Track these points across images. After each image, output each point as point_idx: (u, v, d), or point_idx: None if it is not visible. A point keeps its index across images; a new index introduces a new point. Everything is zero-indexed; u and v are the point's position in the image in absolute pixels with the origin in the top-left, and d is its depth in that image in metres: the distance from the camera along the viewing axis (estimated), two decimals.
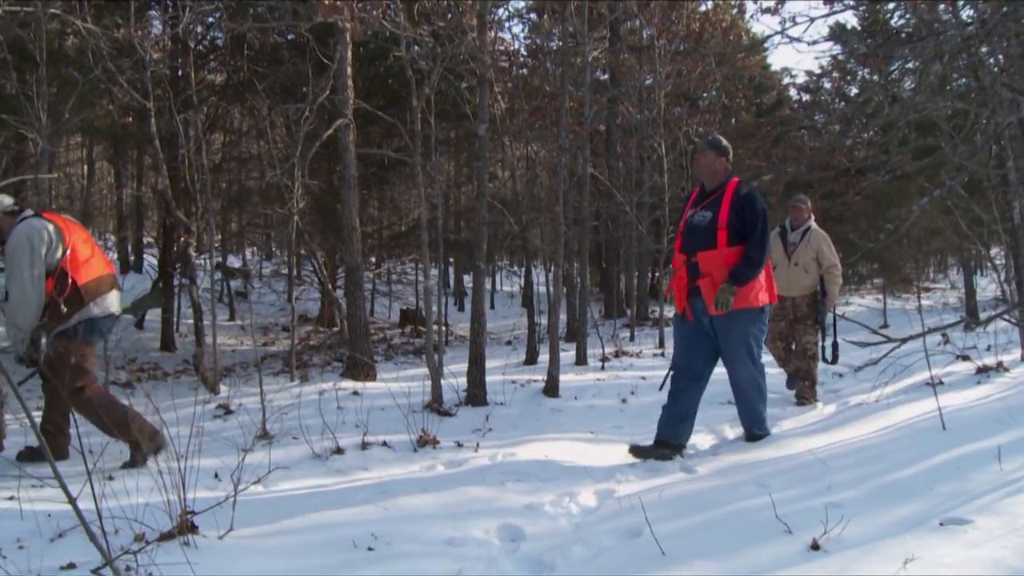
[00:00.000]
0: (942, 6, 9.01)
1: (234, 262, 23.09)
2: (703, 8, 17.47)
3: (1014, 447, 4.44)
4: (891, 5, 11.67)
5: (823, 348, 7.89)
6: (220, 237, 17.12)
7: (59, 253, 5.28)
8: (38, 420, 5.53)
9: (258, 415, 6.47)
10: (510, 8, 17.07)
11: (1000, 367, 7.30)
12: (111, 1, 9.88)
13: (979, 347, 8.55)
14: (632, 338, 14.14)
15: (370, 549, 3.84)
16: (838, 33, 17.20)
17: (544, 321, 13.18)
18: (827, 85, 20.75)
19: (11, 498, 4.33)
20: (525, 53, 17.74)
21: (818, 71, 21.10)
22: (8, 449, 5.82)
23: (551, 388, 8.25)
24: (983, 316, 14.60)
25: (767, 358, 8.16)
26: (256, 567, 3.62)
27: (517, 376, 9.19)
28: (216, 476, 5.00)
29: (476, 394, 7.77)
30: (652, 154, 14.21)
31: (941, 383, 6.82)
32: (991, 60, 9.45)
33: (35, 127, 6.78)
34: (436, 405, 7.32)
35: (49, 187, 8.83)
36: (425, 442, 6.02)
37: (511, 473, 5.23)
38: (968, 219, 11.03)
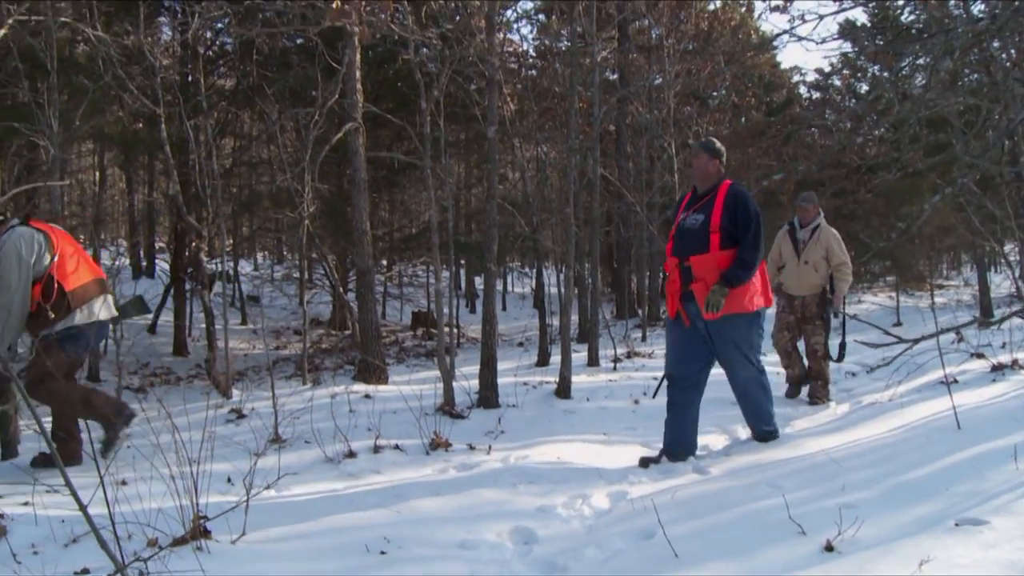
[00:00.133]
0: (952, 1, 8.97)
1: (245, 266, 23.14)
2: (712, 7, 17.46)
3: None
4: (900, 1, 11.61)
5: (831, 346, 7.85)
6: (231, 242, 17.18)
7: (47, 260, 5.35)
8: (48, 427, 5.56)
9: (270, 419, 6.48)
10: (518, 9, 17.05)
11: (1015, 365, 7.23)
12: (121, 8, 9.92)
13: (994, 344, 8.49)
14: (644, 339, 14.10)
15: (383, 553, 3.84)
16: (848, 30, 17.15)
17: (556, 322, 13.17)
18: (837, 82, 20.68)
19: (26, 503, 4.35)
20: (534, 54, 17.75)
21: (828, 68, 21.07)
22: (23, 455, 5.85)
23: (563, 389, 8.23)
24: (997, 313, 14.52)
25: (773, 358, 8.16)
26: (269, 571, 3.63)
27: (529, 378, 9.18)
28: (229, 480, 5.00)
29: (488, 396, 7.76)
30: (662, 154, 14.18)
31: (955, 381, 6.77)
32: (1003, 55, 9.41)
33: (47, 135, 6.81)
34: (448, 408, 7.31)
35: (61, 194, 8.86)
36: (437, 445, 6.02)
37: (523, 476, 5.22)
38: (981, 215, 10.95)
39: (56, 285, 5.36)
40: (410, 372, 10.66)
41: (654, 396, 6.67)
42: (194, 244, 9.66)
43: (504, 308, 22.12)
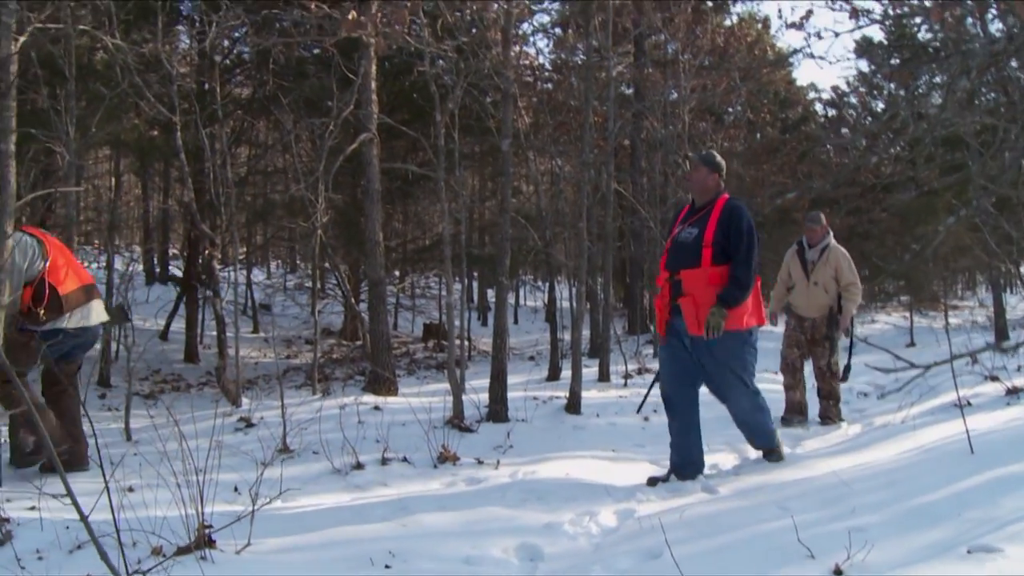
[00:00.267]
0: (970, 20, 8.93)
1: (258, 275, 23.20)
2: (728, 23, 17.44)
3: None
4: (917, 20, 11.57)
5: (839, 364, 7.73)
6: (245, 250, 17.23)
7: (39, 265, 5.42)
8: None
9: (279, 429, 6.48)
10: (535, 23, 17.07)
11: None
12: (139, 17, 9.98)
13: (1008, 367, 8.42)
14: (655, 355, 14.02)
15: (387, 567, 3.82)
16: (865, 48, 17.12)
17: (567, 337, 13.14)
18: (853, 100, 20.64)
19: (32, 508, 4.35)
20: (550, 68, 17.75)
21: (844, 85, 21.02)
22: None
23: (573, 405, 8.20)
24: (1013, 336, 14.43)
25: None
26: None
27: (539, 392, 9.15)
28: (236, 490, 5.00)
29: (497, 410, 7.73)
30: (677, 169, 14.15)
31: (969, 404, 6.71)
32: (1021, 75, 9.35)
33: (63, 141, 6.85)
34: (457, 421, 7.29)
35: (77, 199, 8.90)
36: (445, 458, 6.00)
37: (531, 491, 5.20)
38: (997, 236, 10.88)
39: (48, 288, 5.42)
40: (420, 384, 10.65)
41: (638, 411, 6.66)
42: (207, 252, 9.68)
43: (516, 321, 22.09)
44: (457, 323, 9.05)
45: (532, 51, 18.93)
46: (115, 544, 3.26)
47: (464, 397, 7.64)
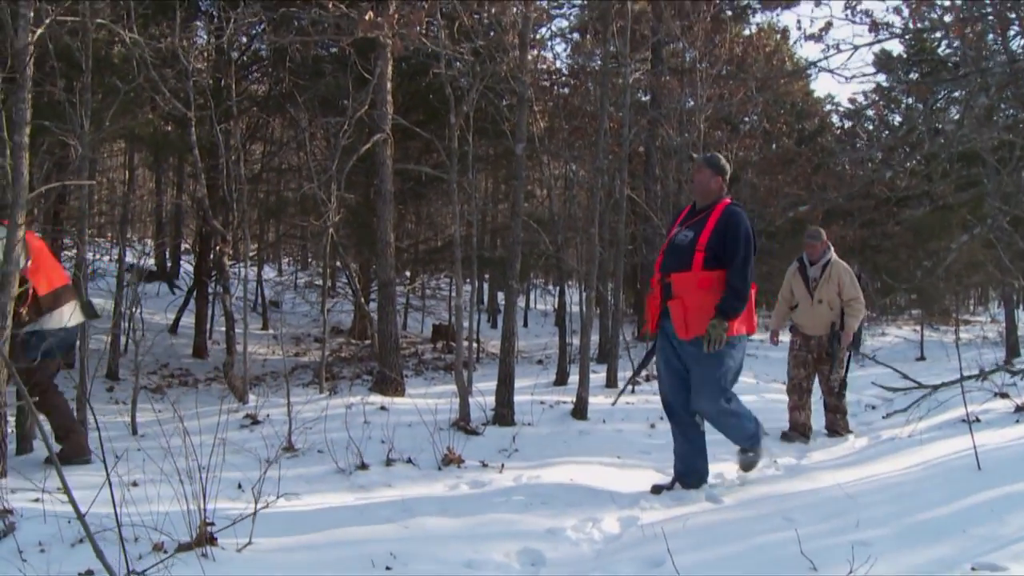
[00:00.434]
0: (991, 36, 8.89)
1: (269, 272, 23.24)
2: (747, 32, 17.40)
3: None
4: (937, 34, 11.53)
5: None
6: (256, 246, 17.26)
7: (22, 263, 5.37)
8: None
9: (285, 427, 6.48)
10: (553, 27, 17.07)
11: None
12: (158, 11, 10.00)
13: (1019, 384, 8.37)
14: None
15: (388, 568, 3.82)
16: (884, 61, 17.07)
17: (576, 341, 13.12)
18: (870, 113, 20.56)
19: (36, 500, 4.35)
20: (566, 72, 17.75)
21: (861, 98, 20.94)
22: (37, 451, 5.89)
23: (579, 410, 8.18)
24: None
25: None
26: None
27: (546, 396, 9.14)
28: (239, 487, 5.00)
29: (504, 413, 7.72)
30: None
31: (977, 420, 6.67)
32: None
33: (77, 134, 6.86)
34: (463, 423, 7.28)
35: (89, 192, 8.93)
36: (450, 461, 5.99)
37: (535, 496, 5.19)
38: (1011, 253, 10.83)
39: (30, 290, 5.43)
40: (427, 385, 10.65)
41: (613, 403, 6.57)
42: (219, 248, 9.69)
43: (526, 325, 22.07)
44: (466, 325, 9.03)
45: (549, 55, 18.90)
46: (117, 539, 3.26)
47: (471, 399, 7.62)
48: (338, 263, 14.43)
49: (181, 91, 9.01)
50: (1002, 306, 17.85)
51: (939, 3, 8.37)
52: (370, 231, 12.44)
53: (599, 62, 12.21)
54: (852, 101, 21.37)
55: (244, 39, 12.23)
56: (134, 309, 9.46)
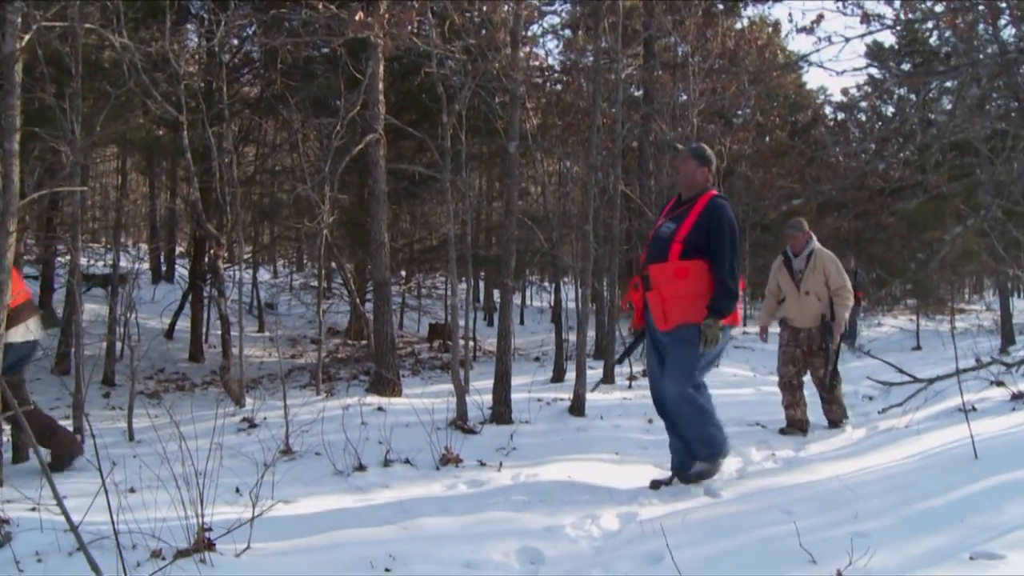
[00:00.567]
0: (982, 26, 8.90)
1: (264, 274, 23.23)
2: (739, 26, 17.40)
3: None
4: (929, 24, 11.53)
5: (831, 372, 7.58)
6: (251, 249, 17.24)
7: None
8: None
9: (282, 430, 6.48)
10: (544, 24, 17.05)
11: None
12: (148, 15, 9.98)
13: (1014, 372, 8.38)
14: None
15: (387, 570, 3.81)
16: (876, 52, 17.08)
17: (573, 338, 13.12)
18: (863, 104, 20.59)
19: (33, 509, 4.34)
20: (559, 69, 17.75)
21: (854, 89, 20.93)
22: (33, 459, 5.88)
23: (577, 407, 8.17)
24: (1020, 340, 14.36)
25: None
26: None
27: (543, 394, 9.14)
28: (237, 491, 4.99)
29: (501, 412, 7.72)
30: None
31: (974, 409, 6.67)
32: None
33: (68, 140, 6.85)
34: (460, 422, 7.27)
35: (81, 198, 8.91)
36: (448, 460, 5.98)
37: (533, 494, 5.18)
38: (1005, 241, 10.83)
39: None
40: (425, 384, 10.65)
41: (619, 361, 6.50)
42: (213, 251, 9.69)
43: (522, 322, 22.08)
44: (462, 324, 9.03)
45: (541, 52, 18.87)
46: (114, 547, 3.25)
47: (468, 398, 7.62)
48: (333, 264, 14.41)
49: (172, 95, 9.00)
50: (997, 294, 17.89)
51: None
52: (364, 231, 12.42)
53: (591, 58, 12.19)
54: (845, 93, 21.32)
55: (235, 41, 12.23)
56: (129, 314, 9.45)
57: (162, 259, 21.26)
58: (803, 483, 5.21)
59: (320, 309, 10.53)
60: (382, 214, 9.44)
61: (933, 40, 14.57)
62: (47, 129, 7.36)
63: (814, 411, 7.62)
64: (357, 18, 6.25)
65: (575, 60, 16.30)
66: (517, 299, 22.59)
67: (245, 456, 5.80)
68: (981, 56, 8.16)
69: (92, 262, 14.82)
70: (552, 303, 17.58)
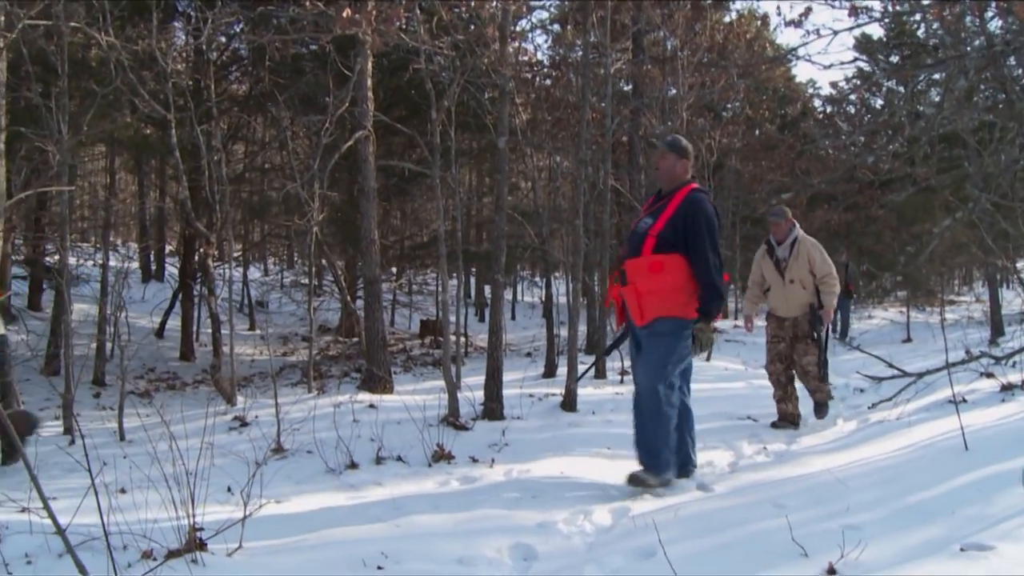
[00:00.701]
0: (969, 18, 8.91)
1: (255, 272, 23.17)
2: (727, 19, 17.39)
3: None
4: (916, 17, 11.55)
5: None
6: (241, 247, 17.20)
7: None
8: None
9: (273, 428, 6.46)
10: (532, 19, 17.01)
11: None
12: (134, 13, 9.94)
13: (1004, 364, 8.40)
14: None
15: (379, 568, 3.80)
16: (864, 45, 17.10)
17: (564, 333, 13.12)
18: (852, 97, 20.61)
19: (23, 510, 4.32)
20: (548, 64, 17.72)
21: (843, 82, 20.99)
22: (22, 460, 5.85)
23: (569, 402, 8.17)
24: (1008, 331, 14.39)
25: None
26: None
27: (535, 389, 9.14)
28: (229, 490, 4.98)
29: (493, 408, 7.72)
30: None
31: (964, 401, 6.69)
32: (1020, 71, 9.34)
33: (54, 139, 6.81)
34: (452, 419, 7.27)
35: (69, 197, 8.88)
36: (440, 457, 5.98)
37: (525, 490, 5.18)
38: (994, 233, 10.86)
39: None
40: (416, 381, 10.63)
41: (578, 379, 6.46)
42: (203, 249, 9.66)
43: (513, 318, 22.09)
44: (453, 320, 9.02)
45: (530, 47, 18.87)
46: (105, 548, 3.24)
47: (460, 395, 7.62)
48: (323, 262, 14.37)
49: (160, 93, 8.97)
50: (986, 286, 17.95)
51: None
52: (354, 229, 12.40)
53: (580, 53, 12.18)
54: (834, 86, 21.35)
55: (223, 39, 12.18)
56: (119, 314, 9.42)
57: (152, 258, 21.18)
58: (795, 476, 5.22)
59: (311, 307, 10.50)
60: (372, 211, 9.42)
61: (921, 33, 14.61)
62: (33, 128, 7.32)
63: (805, 405, 7.62)
64: (345, 15, 6.22)
65: (564, 55, 16.26)
66: (508, 294, 22.60)
67: (236, 455, 5.78)
68: (969, 48, 8.17)
69: (81, 262, 14.76)
70: (543, 298, 17.58)
